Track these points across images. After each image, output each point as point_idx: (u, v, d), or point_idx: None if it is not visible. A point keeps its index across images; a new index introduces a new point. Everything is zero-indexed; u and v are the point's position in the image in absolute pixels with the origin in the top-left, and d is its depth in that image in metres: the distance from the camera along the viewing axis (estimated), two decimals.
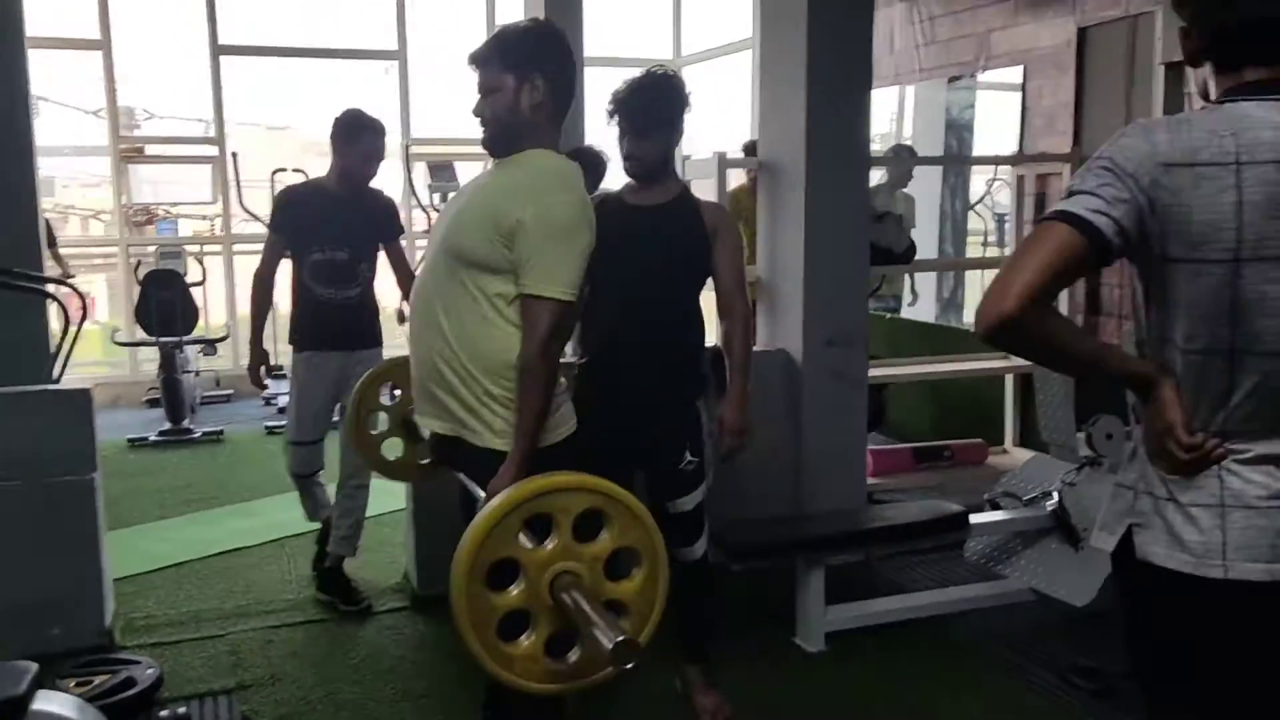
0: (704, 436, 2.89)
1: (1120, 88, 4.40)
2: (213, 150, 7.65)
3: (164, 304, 6.22)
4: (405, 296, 3.59)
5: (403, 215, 8.29)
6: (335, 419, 3.67)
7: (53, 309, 4.18)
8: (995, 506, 3.73)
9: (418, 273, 2.42)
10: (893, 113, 6.72)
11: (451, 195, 2.44)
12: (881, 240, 4.51)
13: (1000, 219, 6.33)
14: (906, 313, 6.16)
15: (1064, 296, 4.76)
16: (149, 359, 7.42)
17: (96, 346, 8.35)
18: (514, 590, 1.75)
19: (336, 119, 3.63)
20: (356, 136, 3.59)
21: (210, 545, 4.32)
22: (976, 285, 6.45)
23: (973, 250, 6.30)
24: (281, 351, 7.35)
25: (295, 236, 3.58)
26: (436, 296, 2.26)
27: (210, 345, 6.79)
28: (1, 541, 3.13)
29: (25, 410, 3.22)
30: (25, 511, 3.16)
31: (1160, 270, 1.44)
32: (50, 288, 4.20)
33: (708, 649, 2.99)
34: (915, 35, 5.85)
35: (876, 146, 5.74)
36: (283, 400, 6.94)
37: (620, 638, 1.63)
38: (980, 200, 6.35)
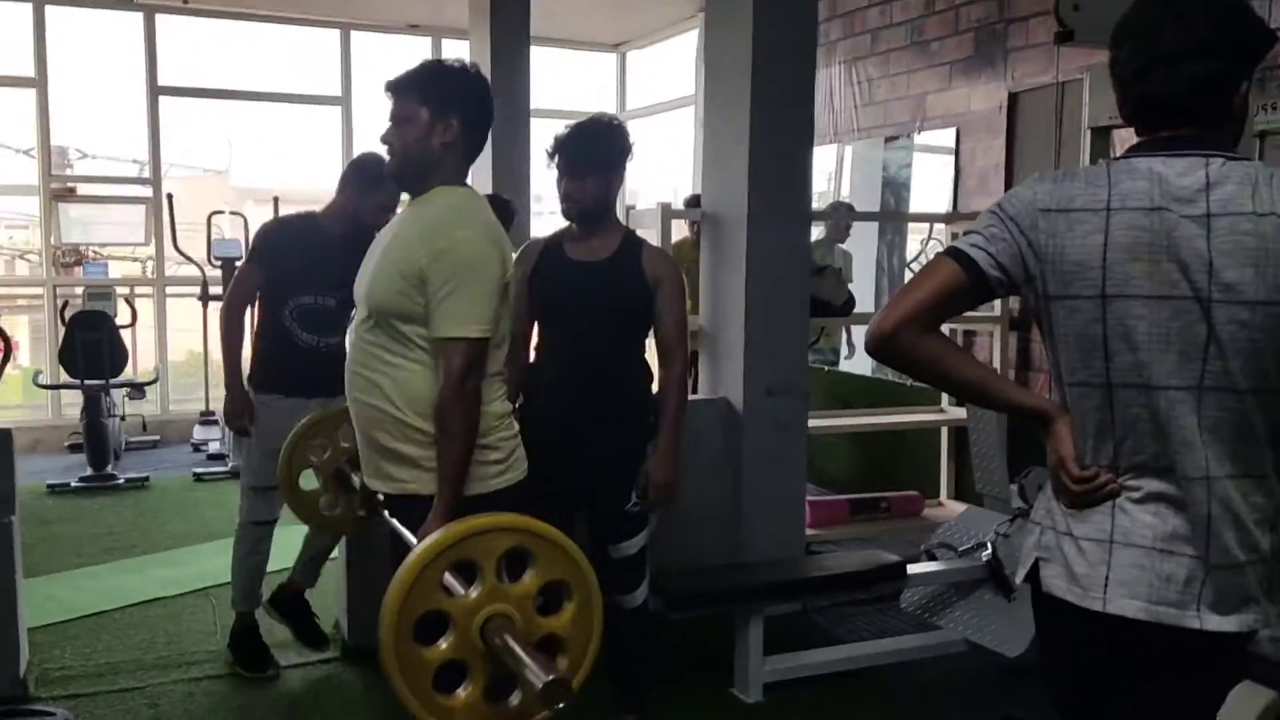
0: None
1: (1049, 150, 4.54)
2: (147, 191, 7.54)
3: (90, 346, 6.05)
4: None
5: None
6: None
7: None
8: (931, 557, 3.75)
9: (350, 332, 2.39)
10: (831, 170, 6.85)
11: (370, 246, 2.41)
12: (820, 293, 4.56)
13: None
14: (844, 365, 6.23)
15: (995, 351, 4.86)
16: (72, 403, 7.22)
17: (17, 389, 8.11)
18: (445, 642, 1.72)
19: (357, 162, 3.50)
20: (377, 185, 3.48)
21: (131, 594, 4.18)
22: None
23: None
24: (214, 396, 7.22)
25: (281, 275, 3.35)
26: (365, 352, 2.25)
27: (138, 389, 6.62)
28: None
29: None
30: None
31: (1045, 308, 1.58)
32: None
33: (645, 699, 2.95)
34: (854, 96, 6.00)
35: (816, 204, 5.84)
36: (214, 446, 6.80)
37: (550, 677, 1.61)
38: (916, 258, 6.47)
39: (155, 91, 7.38)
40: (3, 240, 10.54)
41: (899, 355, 1.61)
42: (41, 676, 3.34)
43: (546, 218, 7.05)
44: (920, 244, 6.30)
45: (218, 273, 7.10)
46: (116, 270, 8.67)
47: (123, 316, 6.75)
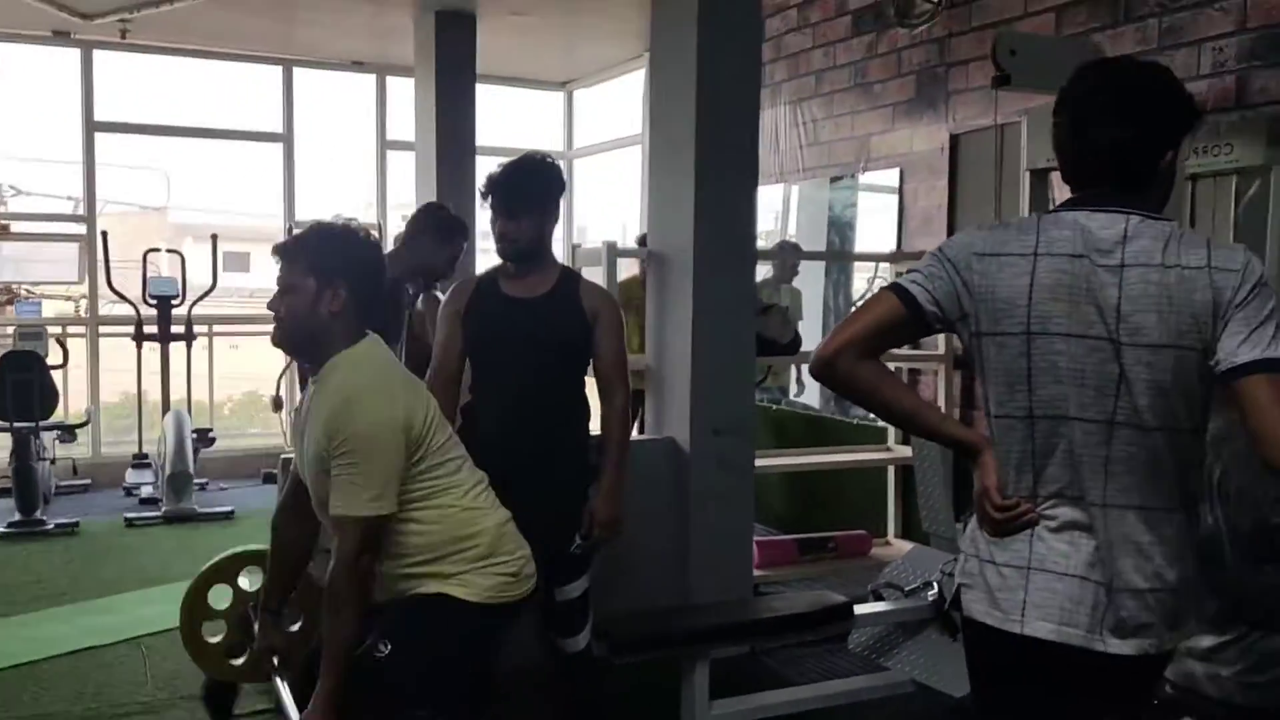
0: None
1: (990, 191, 4.60)
2: (81, 229, 7.38)
3: (20, 387, 5.88)
4: None
5: None
6: None
7: None
8: (878, 597, 3.73)
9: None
10: (778, 210, 6.90)
11: (295, 420, 2.41)
12: (767, 331, 4.57)
13: None
14: (796, 400, 6.24)
15: (940, 389, 4.89)
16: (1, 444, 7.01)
17: None
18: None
19: (430, 212, 3.48)
20: (451, 237, 3.41)
21: (60, 644, 4.03)
22: None
23: None
24: (148, 439, 7.04)
25: None
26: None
27: (69, 431, 6.44)
28: None
29: None
30: None
31: (977, 344, 1.70)
32: None
33: None
34: (800, 136, 6.06)
35: (763, 243, 5.87)
36: (146, 490, 6.61)
37: None
38: (862, 296, 6.53)
39: (91, 127, 7.25)
40: None
41: (838, 379, 1.74)
42: None
43: (493, 255, 6.98)
44: (867, 282, 6.37)
45: (153, 311, 6.97)
46: (49, 309, 8.47)
47: (54, 357, 6.57)
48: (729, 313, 3.91)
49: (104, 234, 7.01)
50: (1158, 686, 1.78)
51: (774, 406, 6.10)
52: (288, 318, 2.20)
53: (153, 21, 6.46)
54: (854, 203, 6.46)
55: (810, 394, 6.50)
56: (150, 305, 6.96)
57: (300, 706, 2.17)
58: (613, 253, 4.33)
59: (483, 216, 6.00)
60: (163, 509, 6.11)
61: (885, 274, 6.00)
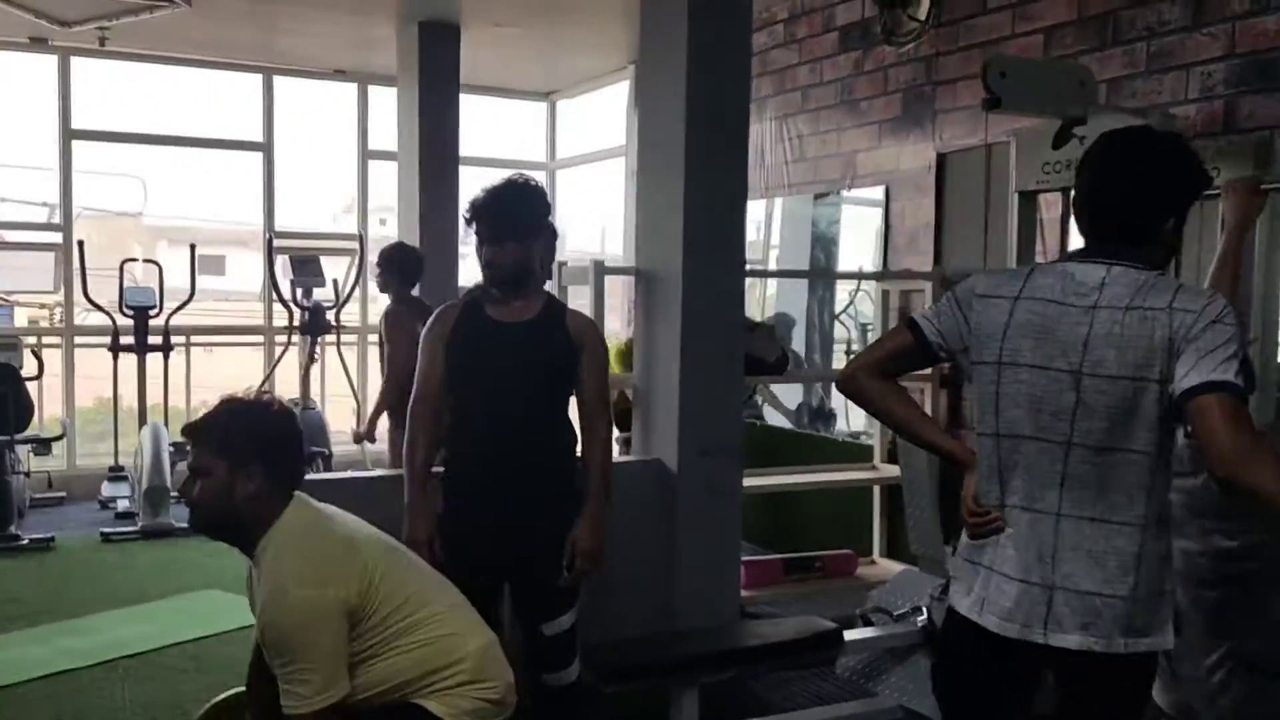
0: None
1: (979, 211, 4.61)
2: (56, 237, 7.28)
3: None
4: None
5: (261, 310, 8.05)
6: None
7: None
8: (867, 622, 3.71)
9: None
10: (760, 224, 6.90)
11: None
12: (753, 350, 4.54)
13: (864, 328, 6.52)
14: (774, 419, 6.23)
15: (927, 406, 4.88)
16: None
17: None
18: None
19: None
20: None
21: (35, 667, 3.96)
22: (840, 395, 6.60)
23: (838, 358, 6.44)
24: (124, 450, 6.93)
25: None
26: None
27: (44, 444, 6.34)
28: None
29: None
30: None
31: (970, 372, 1.97)
32: None
33: None
34: (785, 152, 6.04)
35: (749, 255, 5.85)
36: (123, 504, 6.51)
37: None
38: (845, 310, 6.52)
39: (69, 135, 7.15)
40: None
41: (854, 392, 2.09)
42: None
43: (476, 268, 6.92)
44: (849, 295, 6.36)
45: (129, 322, 6.88)
46: (21, 317, 8.35)
47: (28, 367, 6.47)
48: (718, 332, 3.89)
49: (80, 243, 6.91)
50: (1127, 690, 1.90)
51: (756, 423, 6.08)
52: (204, 502, 2.13)
53: (132, 29, 6.38)
54: (838, 219, 6.45)
55: (772, 414, 6.51)
56: (127, 315, 6.86)
57: None
58: (600, 271, 4.30)
59: (467, 230, 5.99)
60: (140, 524, 6.01)
61: (868, 287, 6.02)
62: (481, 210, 2.72)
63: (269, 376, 7.46)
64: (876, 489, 5.15)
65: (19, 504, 6.02)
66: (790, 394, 6.49)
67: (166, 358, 7.04)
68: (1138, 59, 4.01)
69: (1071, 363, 1.81)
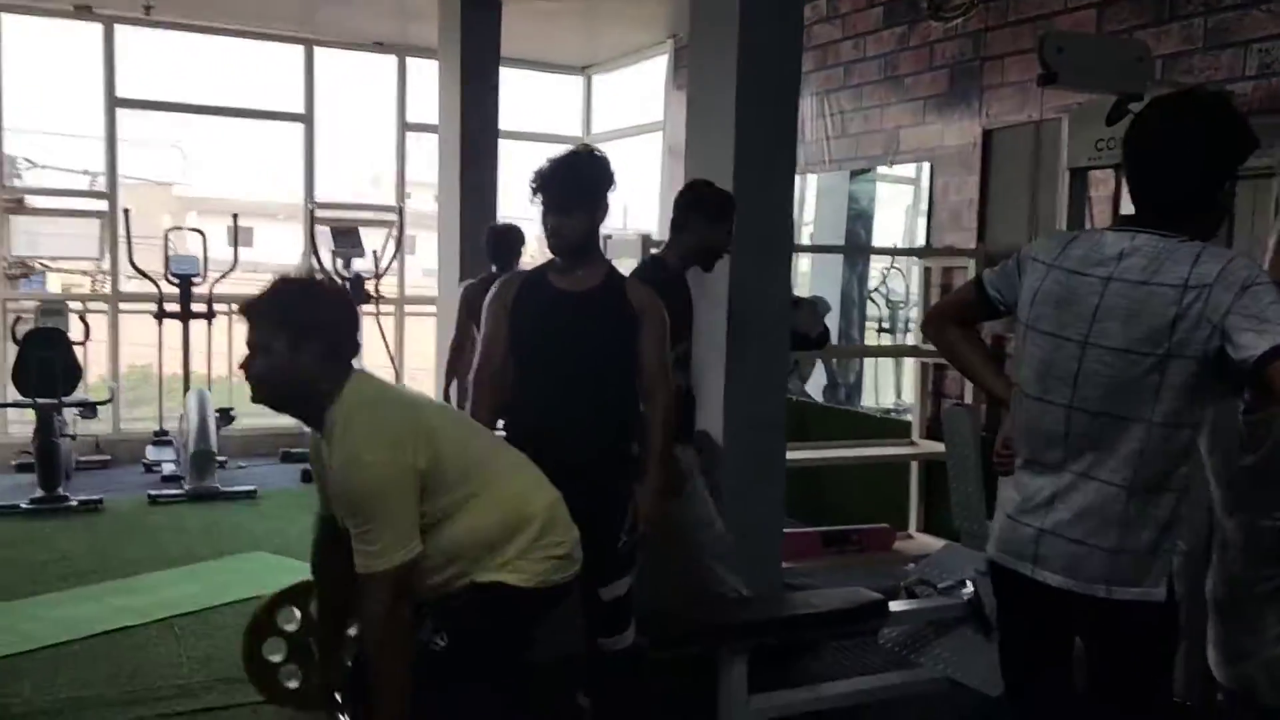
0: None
1: (1025, 188, 4.60)
2: (99, 204, 7.37)
3: (44, 363, 5.89)
4: None
5: None
6: None
7: None
8: (911, 594, 3.75)
9: None
10: (797, 200, 6.91)
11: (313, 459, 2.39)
12: (798, 326, 4.57)
13: (894, 306, 6.53)
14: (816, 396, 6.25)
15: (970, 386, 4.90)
16: (18, 421, 7.02)
17: None
18: None
19: (696, 191, 3.46)
20: (725, 213, 3.41)
21: (91, 625, 4.04)
22: (871, 371, 6.64)
23: (869, 336, 6.46)
24: (168, 415, 7.04)
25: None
26: None
27: (90, 408, 6.44)
28: None
29: None
30: None
31: (1018, 330, 2.10)
32: None
33: None
34: (826, 128, 6.03)
35: None
36: (168, 468, 6.62)
37: None
38: (877, 287, 6.53)
39: (113, 104, 7.22)
40: None
41: (929, 335, 2.38)
42: (3, 713, 3.21)
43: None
44: (881, 273, 6.37)
45: (173, 289, 6.97)
46: (54, 284, 8.45)
47: (75, 332, 6.57)
48: (764, 307, 3.92)
49: (126, 211, 7.01)
50: (1129, 632, 2.01)
51: (795, 398, 6.10)
52: (266, 379, 2.16)
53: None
54: (873, 195, 6.45)
55: (816, 387, 6.54)
56: (172, 283, 6.95)
57: None
58: (647, 244, 4.33)
59: (508, 204, 6.01)
60: (186, 487, 6.12)
61: (900, 266, 6.04)
62: (548, 180, 2.75)
63: None
64: (915, 464, 5.17)
65: (66, 466, 6.12)
66: (816, 371, 6.53)
67: (210, 325, 7.13)
68: (1195, 35, 3.99)
69: (1080, 332, 1.93)
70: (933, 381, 5.27)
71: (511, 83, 7.85)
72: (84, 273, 8.89)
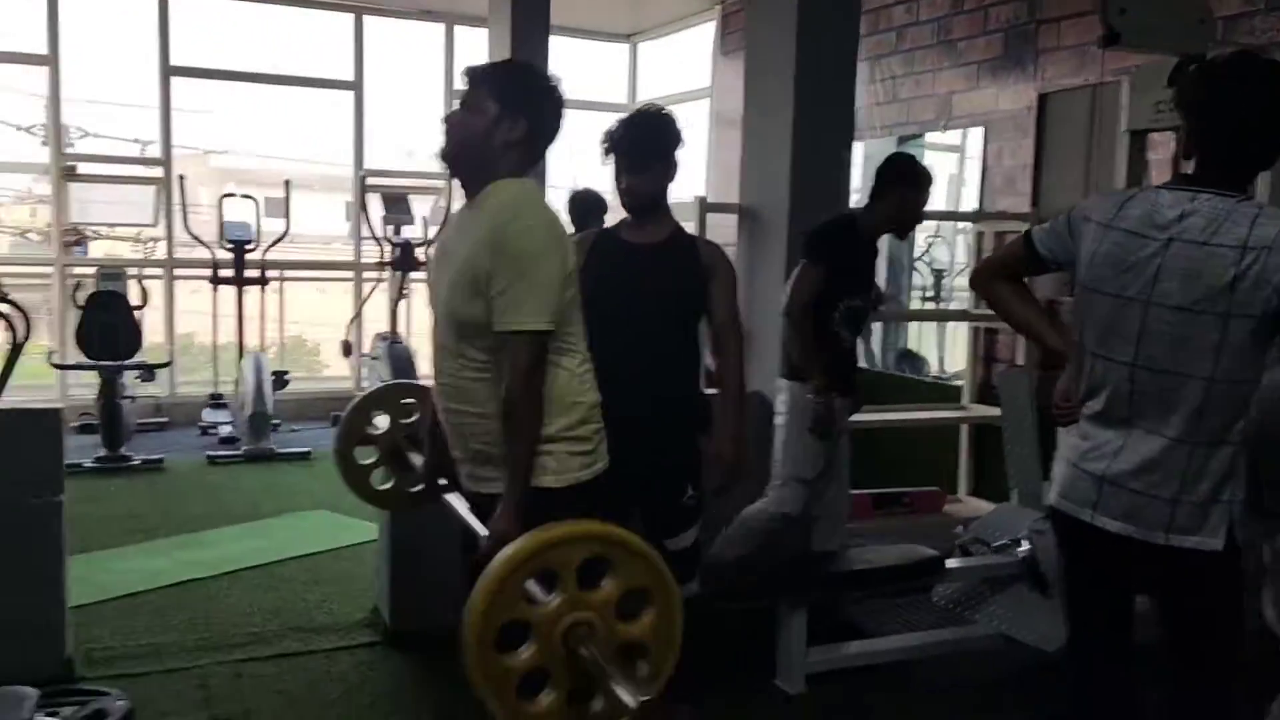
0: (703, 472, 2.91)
1: (1081, 152, 4.59)
2: (153, 171, 7.49)
3: (106, 327, 6.03)
4: None
5: (349, 249, 8.24)
6: None
7: None
8: (965, 553, 3.80)
9: (432, 336, 2.36)
10: None
11: (435, 247, 2.40)
12: None
13: (938, 274, 6.52)
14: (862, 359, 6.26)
15: (1019, 348, 4.92)
16: (79, 383, 7.18)
17: (23, 368, 8.02)
18: (527, 650, 1.70)
19: (900, 161, 3.64)
20: (924, 186, 3.56)
21: (162, 576, 4.17)
22: (915, 341, 6.65)
23: (914, 303, 6.47)
24: (223, 380, 7.16)
25: (837, 277, 3.51)
26: (453, 367, 2.25)
27: (149, 371, 6.59)
28: None
29: None
30: None
31: (1075, 288, 2.14)
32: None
33: (697, 689, 2.97)
34: (876, 93, 6.02)
35: None
36: (225, 430, 6.77)
37: (644, 699, 1.62)
38: (920, 256, 6.52)
39: (168, 72, 7.33)
40: (6, 219, 10.43)
41: (980, 290, 2.41)
42: (86, 656, 3.34)
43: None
44: (926, 241, 6.36)
45: (227, 255, 7.09)
46: (98, 251, 8.57)
47: (133, 297, 6.70)
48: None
49: (181, 178, 7.13)
50: (1193, 580, 2.07)
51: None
52: (462, 137, 2.20)
53: None
54: (920, 161, 6.43)
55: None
56: (226, 249, 7.07)
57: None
58: (704, 207, 4.37)
59: (553, 165, 6.02)
60: (243, 448, 6.26)
61: (945, 235, 6.04)
62: (619, 140, 2.80)
63: (359, 312, 7.66)
64: (964, 428, 5.20)
65: (127, 427, 6.27)
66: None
67: (263, 290, 7.26)
68: None
69: (1141, 292, 1.97)
70: (984, 346, 5.28)
71: (559, 50, 7.87)
72: (135, 239, 9.03)
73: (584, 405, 2.27)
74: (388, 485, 2.90)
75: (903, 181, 3.58)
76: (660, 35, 8.57)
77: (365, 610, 3.80)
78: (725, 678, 3.27)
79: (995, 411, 4.80)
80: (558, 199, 5.26)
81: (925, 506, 4.89)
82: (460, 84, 2.30)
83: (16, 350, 4.04)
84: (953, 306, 6.11)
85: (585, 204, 5.18)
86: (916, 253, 6.58)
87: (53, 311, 7.38)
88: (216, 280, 7.09)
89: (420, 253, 7.24)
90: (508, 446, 2.15)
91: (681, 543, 2.90)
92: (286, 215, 7.30)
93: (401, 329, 7.49)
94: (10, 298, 5.30)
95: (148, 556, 4.48)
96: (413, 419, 2.77)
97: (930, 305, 6.49)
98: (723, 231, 4.18)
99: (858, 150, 6.63)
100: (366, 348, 7.55)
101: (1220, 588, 2.08)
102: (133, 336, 6.21)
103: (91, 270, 6.98)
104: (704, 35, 7.98)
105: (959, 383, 5.46)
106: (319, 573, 4.27)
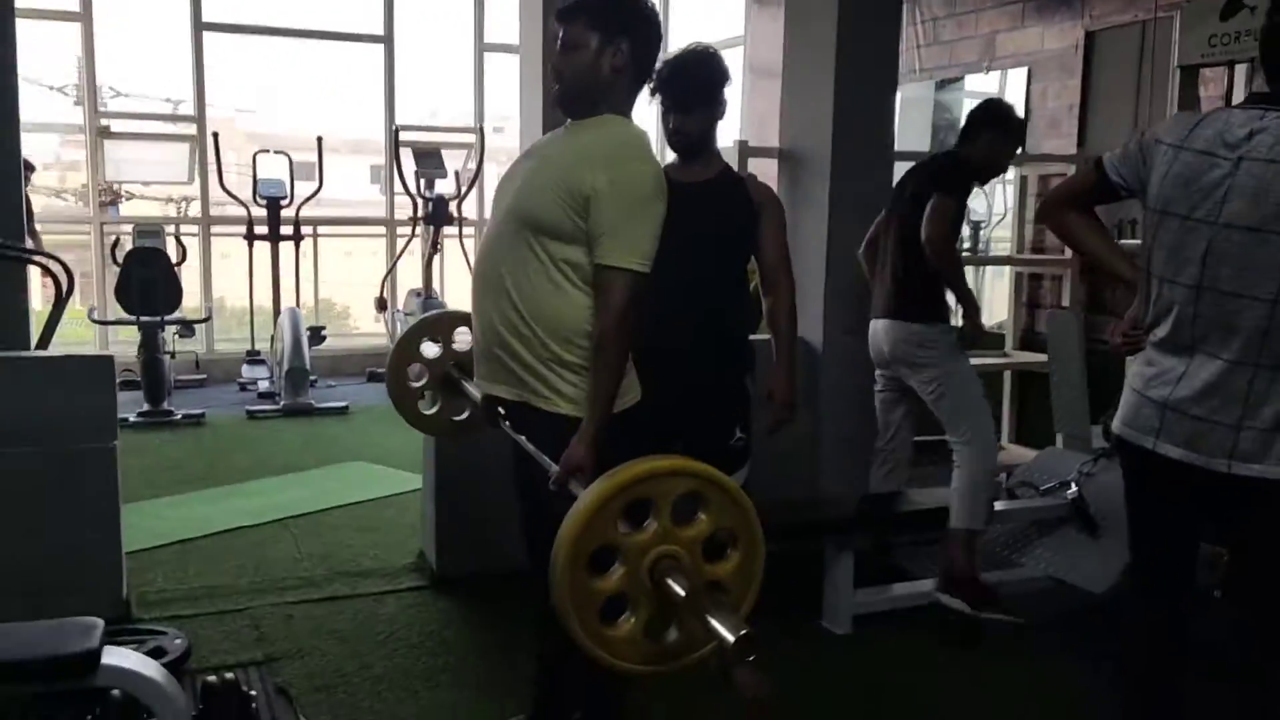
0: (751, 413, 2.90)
1: (1130, 91, 4.49)
2: (186, 129, 7.51)
3: (146, 283, 6.07)
4: None
5: (383, 203, 8.24)
6: None
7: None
8: (1012, 496, 3.78)
9: (483, 236, 2.36)
10: None
11: (517, 157, 2.39)
12: None
13: (975, 225, 6.45)
14: None
15: (1065, 291, 4.86)
16: (119, 339, 7.25)
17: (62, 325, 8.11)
18: (614, 575, 1.71)
19: (995, 105, 3.55)
20: (1014, 129, 3.48)
21: (212, 523, 4.22)
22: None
23: None
24: (260, 336, 7.20)
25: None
26: (503, 261, 2.21)
27: (188, 327, 6.64)
28: (22, 508, 3.04)
29: (49, 377, 3.13)
30: (46, 478, 3.07)
31: (1145, 214, 2.09)
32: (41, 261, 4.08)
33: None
34: (917, 35, 5.92)
35: None
36: (263, 385, 6.82)
37: (743, 632, 1.60)
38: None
39: (200, 27, 7.31)
40: (36, 177, 10.50)
41: (1047, 220, 2.37)
42: (141, 599, 3.39)
43: None
44: None
45: (262, 212, 7.11)
46: (128, 211, 8.62)
47: (171, 254, 6.75)
48: (864, 214, 3.89)
49: (215, 135, 7.14)
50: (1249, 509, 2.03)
51: None
52: (571, 77, 2.19)
53: None
54: (957, 108, 6.33)
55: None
56: (260, 205, 7.09)
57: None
58: (745, 152, 4.33)
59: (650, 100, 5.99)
60: (281, 403, 6.31)
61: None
62: (667, 81, 2.76)
63: (393, 266, 7.66)
64: (1007, 375, 5.16)
65: (167, 383, 6.33)
66: None
67: (298, 247, 7.28)
68: None
69: (1210, 213, 1.93)
70: (1027, 292, 5.22)
71: None
72: (167, 199, 9.07)
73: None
74: (434, 410, 2.89)
75: (996, 124, 3.44)
76: None
77: (411, 556, 3.83)
78: (769, 618, 3.26)
79: (1038, 358, 4.76)
80: None
81: None
82: (551, 27, 2.26)
83: (61, 303, 4.05)
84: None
85: None
86: None
87: (88, 273, 7.44)
88: (252, 236, 7.12)
89: (453, 207, 7.23)
90: (593, 377, 2.15)
91: None
92: (320, 171, 7.30)
93: (435, 285, 7.50)
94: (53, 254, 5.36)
95: (197, 505, 4.54)
96: (465, 348, 2.76)
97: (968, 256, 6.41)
98: (761, 177, 4.14)
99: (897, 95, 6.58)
100: (400, 304, 7.57)
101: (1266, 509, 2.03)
102: (174, 292, 6.23)
103: (128, 229, 7.02)
104: None
105: (1000, 332, 5.41)
106: (364, 520, 4.31)
